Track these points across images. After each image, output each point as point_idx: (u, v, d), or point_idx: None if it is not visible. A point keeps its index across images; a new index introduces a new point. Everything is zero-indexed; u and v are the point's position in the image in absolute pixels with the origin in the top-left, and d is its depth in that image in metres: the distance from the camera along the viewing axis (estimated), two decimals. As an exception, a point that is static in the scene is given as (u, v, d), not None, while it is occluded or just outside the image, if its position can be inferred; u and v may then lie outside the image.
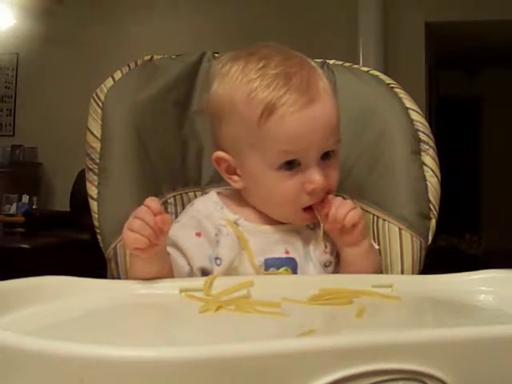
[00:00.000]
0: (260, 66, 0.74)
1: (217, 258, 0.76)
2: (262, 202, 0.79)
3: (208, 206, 0.81)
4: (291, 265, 0.77)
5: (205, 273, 0.75)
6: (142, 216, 0.64)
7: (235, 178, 0.80)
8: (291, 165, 0.74)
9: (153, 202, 0.65)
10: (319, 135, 0.73)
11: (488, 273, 0.70)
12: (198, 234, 0.77)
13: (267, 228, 0.79)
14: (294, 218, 0.78)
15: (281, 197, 0.76)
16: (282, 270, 0.76)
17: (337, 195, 0.89)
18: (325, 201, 0.76)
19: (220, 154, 0.79)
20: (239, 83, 0.74)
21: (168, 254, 0.73)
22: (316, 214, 0.76)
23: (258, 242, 0.77)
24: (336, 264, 0.80)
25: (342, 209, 0.75)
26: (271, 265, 0.76)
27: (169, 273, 0.72)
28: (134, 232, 0.64)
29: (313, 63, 0.79)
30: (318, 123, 0.73)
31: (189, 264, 0.75)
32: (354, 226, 0.75)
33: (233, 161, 0.78)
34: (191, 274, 0.75)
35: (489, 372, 0.45)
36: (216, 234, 0.77)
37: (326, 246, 0.79)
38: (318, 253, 0.79)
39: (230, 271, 0.75)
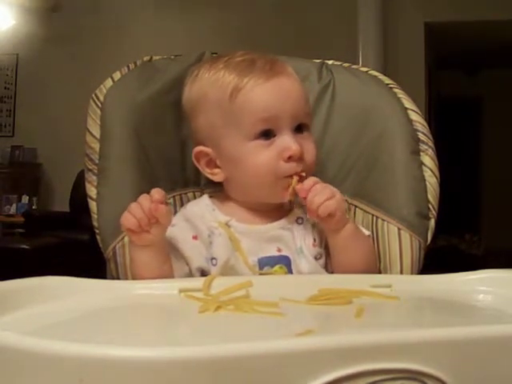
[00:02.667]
0: (225, 59, 0.80)
1: (212, 258, 0.77)
2: (244, 186, 0.80)
3: (200, 209, 0.82)
4: (285, 262, 0.78)
5: (203, 273, 0.76)
6: (141, 200, 0.69)
7: (216, 170, 0.82)
8: (267, 136, 0.77)
9: (156, 192, 0.69)
10: (289, 103, 0.77)
11: (487, 273, 0.70)
12: (195, 237, 0.79)
13: (258, 228, 0.80)
14: (276, 193, 0.78)
15: (259, 167, 0.77)
16: (276, 267, 0.77)
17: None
18: (305, 184, 0.76)
19: (198, 148, 0.82)
20: (207, 77, 0.79)
21: (168, 253, 0.74)
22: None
23: (250, 242, 0.78)
24: (327, 256, 0.81)
25: (318, 197, 0.74)
26: (265, 264, 0.77)
27: (168, 272, 0.73)
28: (128, 212, 0.69)
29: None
30: (286, 92, 0.78)
31: (187, 265, 0.77)
32: (329, 215, 0.74)
33: (211, 152, 0.81)
34: (190, 275, 0.76)
35: (488, 371, 0.45)
36: (209, 235, 0.78)
37: (314, 240, 0.80)
38: (308, 247, 0.79)
39: (227, 270, 0.76)
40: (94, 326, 0.53)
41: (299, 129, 0.79)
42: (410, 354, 0.42)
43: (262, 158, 0.76)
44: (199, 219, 0.80)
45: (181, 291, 0.62)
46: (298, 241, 0.79)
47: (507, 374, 0.45)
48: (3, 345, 0.40)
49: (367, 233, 0.84)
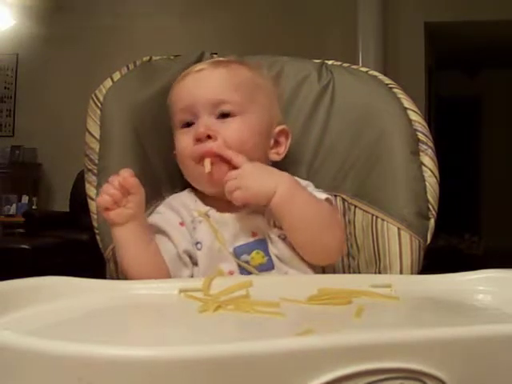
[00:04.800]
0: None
1: (197, 243, 0.78)
2: (185, 175, 0.84)
3: (182, 198, 0.84)
4: (261, 247, 0.78)
5: (190, 256, 0.78)
6: (110, 179, 0.71)
7: None
8: (190, 125, 0.81)
9: (124, 171, 0.71)
10: (202, 91, 0.81)
11: (487, 272, 0.70)
12: (182, 224, 0.80)
13: (233, 215, 0.80)
14: (199, 178, 0.80)
15: (180, 152, 0.82)
16: (253, 254, 0.78)
17: (335, 195, 0.89)
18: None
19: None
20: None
21: (153, 237, 0.76)
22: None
23: (226, 230, 0.79)
24: None
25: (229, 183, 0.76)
26: (242, 252, 0.78)
27: (155, 252, 0.75)
28: (101, 193, 0.71)
29: (255, 65, 0.87)
30: (202, 81, 0.82)
31: (176, 248, 0.78)
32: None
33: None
34: (178, 256, 0.78)
35: (487, 371, 0.45)
36: (192, 221, 0.80)
37: (274, 222, 0.79)
38: (272, 229, 0.79)
39: (213, 254, 0.77)
40: (93, 326, 0.53)
41: (225, 116, 0.80)
42: (409, 354, 0.42)
43: (180, 143, 0.82)
44: (183, 208, 0.82)
45: (181, 291, 0.62)
46: (269, 224, 0.80)
47: (507, 373, 0.45)
48: (3, 345, 0.40)
49: (323, 196, 0.81)
